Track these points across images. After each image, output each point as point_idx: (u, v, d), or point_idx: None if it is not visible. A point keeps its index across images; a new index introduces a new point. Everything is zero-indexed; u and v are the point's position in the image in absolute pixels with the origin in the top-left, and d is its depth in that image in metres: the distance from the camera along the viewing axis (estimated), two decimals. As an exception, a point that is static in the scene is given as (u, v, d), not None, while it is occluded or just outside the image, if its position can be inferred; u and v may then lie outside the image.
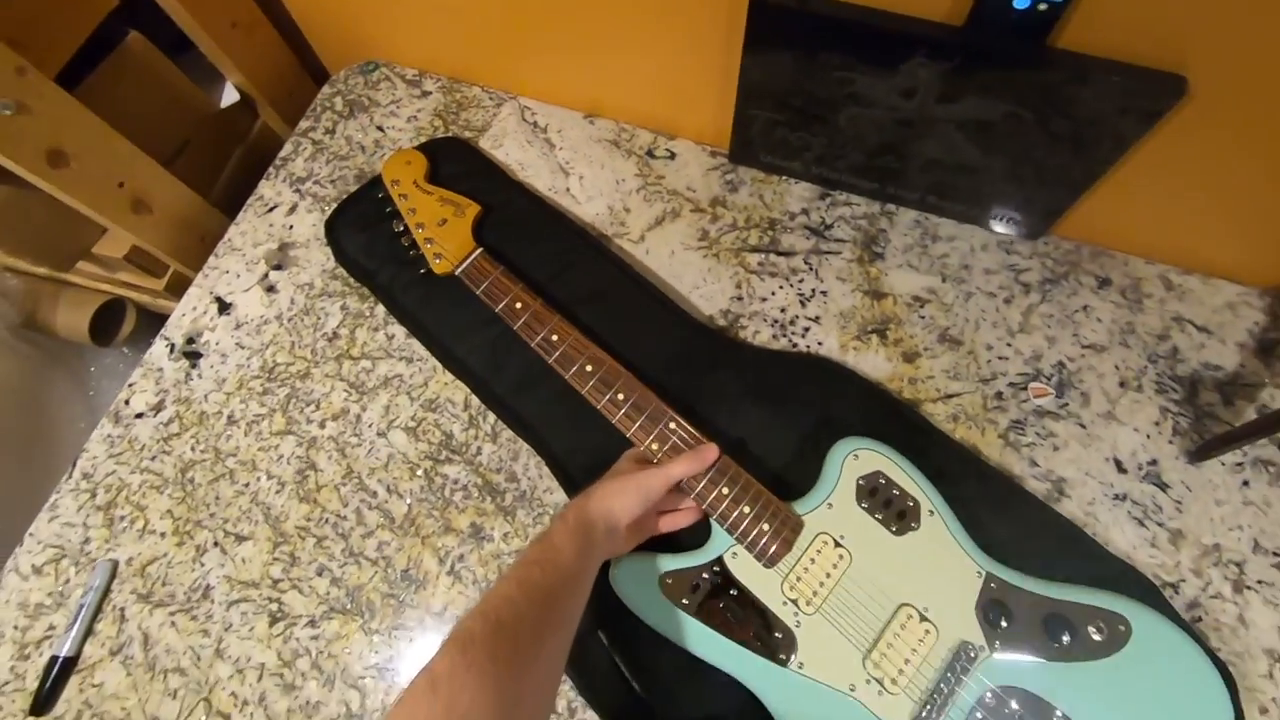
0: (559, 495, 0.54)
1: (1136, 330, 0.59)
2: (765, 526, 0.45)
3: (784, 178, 0.67)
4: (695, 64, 0.61)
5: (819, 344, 0.59)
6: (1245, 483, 0.53)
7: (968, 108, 0.52)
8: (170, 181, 0.66)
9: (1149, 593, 0.47)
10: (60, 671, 0.48)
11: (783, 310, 0.61)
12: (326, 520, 0.54)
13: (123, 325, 0.94)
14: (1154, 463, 0.54)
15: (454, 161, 0.67)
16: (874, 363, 0.58)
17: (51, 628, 0.51)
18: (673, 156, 0.70)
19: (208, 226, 0.70)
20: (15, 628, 0.51)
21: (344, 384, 0.59)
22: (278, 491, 0.55)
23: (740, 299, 0.62)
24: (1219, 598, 0.49)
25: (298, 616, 0.51)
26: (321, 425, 0.58)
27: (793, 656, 0.42)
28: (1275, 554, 0.50)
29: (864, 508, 0.45)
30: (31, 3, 0.54)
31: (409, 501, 0.54)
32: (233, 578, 0.52)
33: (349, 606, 0.51)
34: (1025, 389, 0.57)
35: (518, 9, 0.64)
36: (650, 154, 0.70)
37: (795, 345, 0.59)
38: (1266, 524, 0.51)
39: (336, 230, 0.63)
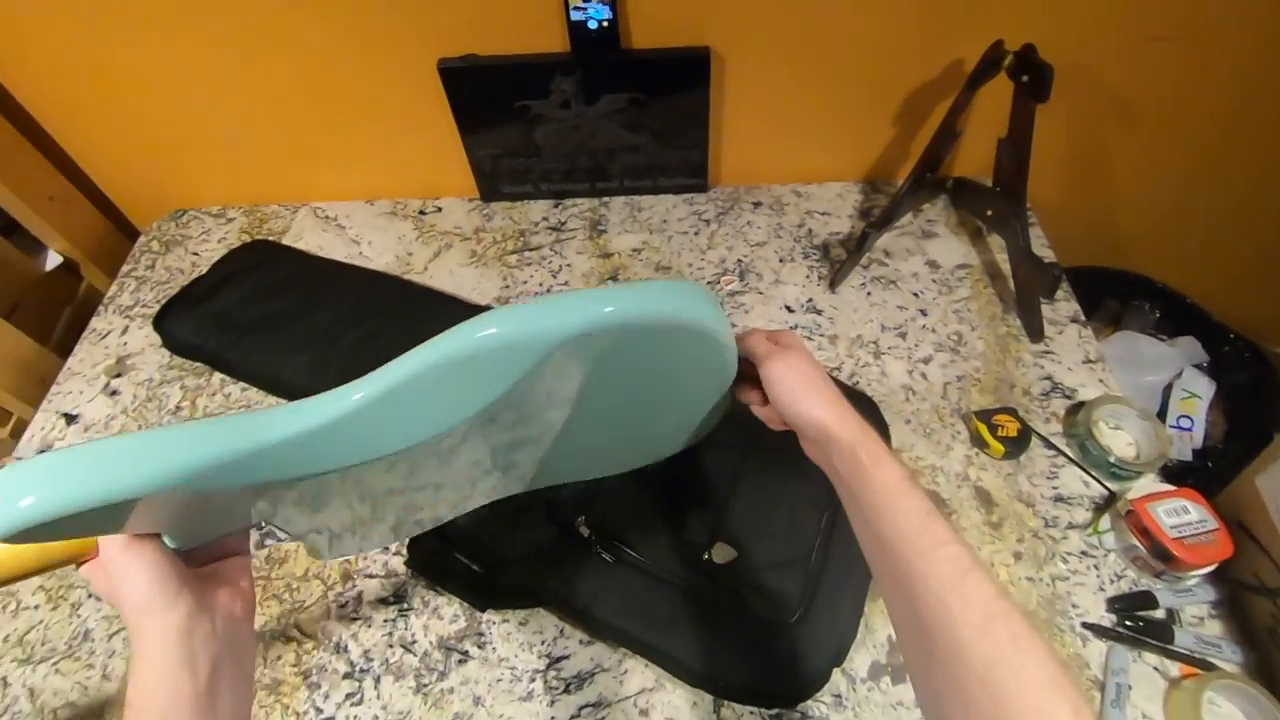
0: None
1: (784, 226, 0.83)
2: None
3: (524, 201, 0.89)
4: (434, 138, 0.82)
5: (571, 298, 0.78)
6: (868, 293, 0.76)
7: (606, 103, 0.76)
8: (6, 329, 0.76)
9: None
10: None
11: (540, 284, 0.80)
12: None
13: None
14: (810, 300, 0.76)
15: (258, 253, 0.84)
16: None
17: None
18: (440, 210, 0.90)
19: (46, 369, 0.79)
20: (-106, 733, 0.54)
21: (192, 440, 0.69)
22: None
23: (508, 286, 0.80)
24: (867, 365, 0.69)
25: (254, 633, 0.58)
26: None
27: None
28: (895, 329, 0.72)
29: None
30: None
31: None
32: (111, 615, 0.59)
33: (223, 599, 0.59)
34: (718, 282, 0.78)
35: (295, 144, 0.84)
36: (422, 213, 0.90)
37: (555, 304, 0.78)
38: (885, 314, 0.74)
39: (165, 324, 0.76)
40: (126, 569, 0.31)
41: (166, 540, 0.33)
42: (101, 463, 0.27)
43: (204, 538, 0.35)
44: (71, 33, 0.72)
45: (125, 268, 0.87)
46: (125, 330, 0.80)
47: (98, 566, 0.33)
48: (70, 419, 0.72)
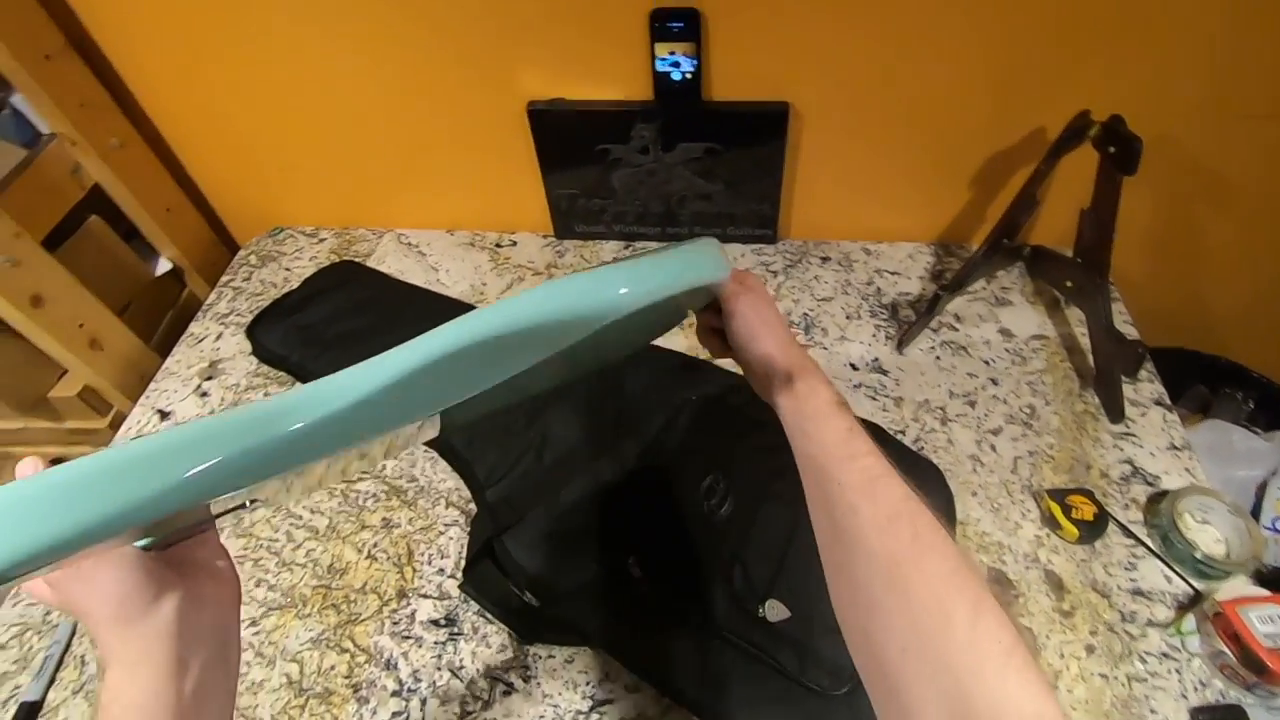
0: (452, 480, 0.68)
1: (852, 283, 0.83)
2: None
3: (596, 240, 0.92)
4: (516, 175, 0.86)
5: (636, 338, 0.80)
6: (937, 357, 0.74)
7: (683, 151, 0.78)
8: (119, 326, 0.82)
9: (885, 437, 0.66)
10: (28, 716, 0.55)
11: (606, 322, 0.82)
12: (261, 545, 0.65)
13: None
14: (876, 360, 0.75)
15: (343, 272, 0.89)
16: (678, 341, 0.79)
17: (17, 688, 0.58)
18: (514, 244, 0.94)
19: (147, 367, 0.86)
20: (-18, 697, 0.58)
21: (269, 445, 0.73)
22: (218, 534, 0.66)
23: (574, 322, 0.82)
24: (933, 431, 0.68)
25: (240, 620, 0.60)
26: (252, 478, 0.70)
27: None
28: (964, 396, 0.71)
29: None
30: (26, 191, 0.75)
31: (329, 516, 0.67)
32: (181, 608, 0.62)
33: (284, 603, 0.61)
34: (782, 333, 0.78)
35: (387, 173, 0.90)
36: (498, 246, 0.94)
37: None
38: (955, 379, 0.72)
39: (256, 332, 0.81)
40: (96, 569, 0.27)
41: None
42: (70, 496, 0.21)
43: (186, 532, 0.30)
44: (198, 63, 0.79)
45: (224, 278, 0.94)
46: (219, 336, 0.85)
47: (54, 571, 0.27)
48: (164, 415, 0.77)
